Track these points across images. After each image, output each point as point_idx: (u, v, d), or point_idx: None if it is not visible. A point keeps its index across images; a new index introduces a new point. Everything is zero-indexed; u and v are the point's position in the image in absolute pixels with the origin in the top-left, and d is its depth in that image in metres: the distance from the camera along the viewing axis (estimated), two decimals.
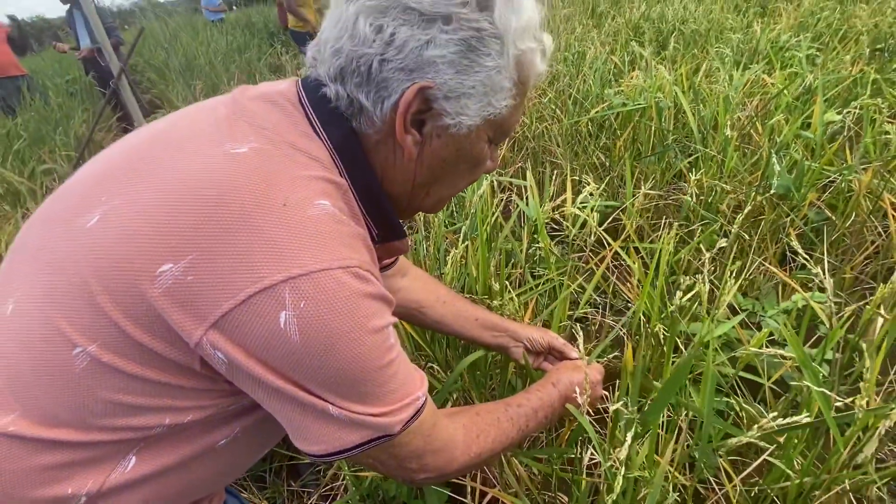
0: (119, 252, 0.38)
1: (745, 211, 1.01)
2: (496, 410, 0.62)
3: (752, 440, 0.76)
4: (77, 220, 0.40)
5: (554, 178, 2.08)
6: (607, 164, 2.15)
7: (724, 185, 1.43)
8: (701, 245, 1.21)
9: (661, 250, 0.99)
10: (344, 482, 1.17)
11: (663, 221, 1.80)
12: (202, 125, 0.45)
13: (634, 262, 1.09)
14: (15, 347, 0.40)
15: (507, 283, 0.96)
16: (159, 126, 0.47)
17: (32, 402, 0.40)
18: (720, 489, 0.92)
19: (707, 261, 0.81)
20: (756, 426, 0.66)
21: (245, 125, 0.44)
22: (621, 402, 0.63)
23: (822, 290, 1.04)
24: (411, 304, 0.82)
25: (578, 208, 1.09)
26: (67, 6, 4.37)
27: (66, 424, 0.41)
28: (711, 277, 0.97)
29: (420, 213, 0.61)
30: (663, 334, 0.98)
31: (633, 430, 0.59)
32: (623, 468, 0.59)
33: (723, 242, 0.85)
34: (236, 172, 0.39)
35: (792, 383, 0.84)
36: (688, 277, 0.88)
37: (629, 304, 1.47)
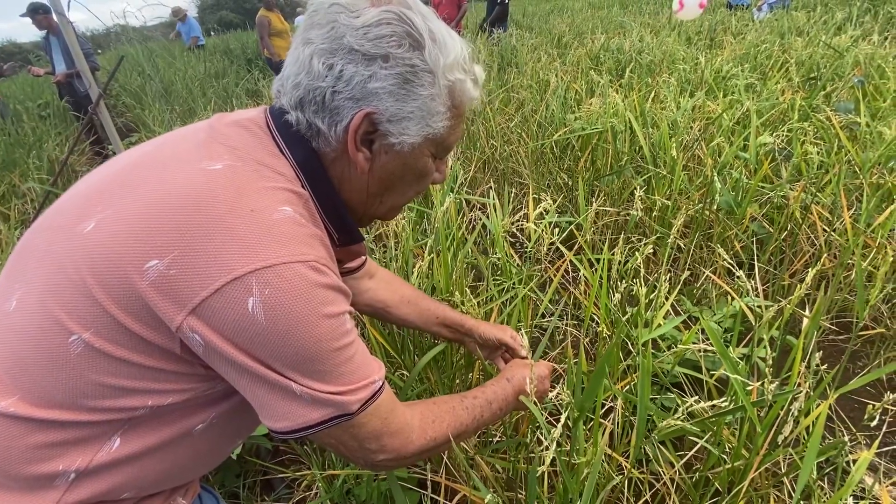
0: (112, 251, 0.44)
1: (681, 222, 1.12)
2: (452, 401, 0.67)
3: (686, 428, 0.84)
4: (76, 227, 0.47)
5: (517, 195, 2.20)
6: (570, 183, 2.29)
7: (665, 202, 1.55)
8: (648, 255, 1.32)
9: (605, 259, 1.09)
10: (317, 493, 1.20)
11: (621, 236, 1.93)
12: (184, 147, 0.52)
13: (587, 271, 1.19)
14: (16, 337, 0.46)
15: (466, 290, 1.04)
16: (147, 148, 0.55)
17: (30, 386, 0.46)
18: (660, 479, 1.00)
19: (641, 266, 0.90)
20: (680, 409, 0.74)
21: (220, 146, 0.51)
22: (557, 391, 0.71)
23: (748, 294, 1.16)
24: (377, 304, 0.90)
25: (535, 222, 1.19)
26: (44, 32, 4.38)
27: (59, 406, 0.46)
28: (654, 283, 1.07)
29: (377, 220, 0.67)
30: (609, 335, 1.07)
31: (567, 411, 0.67)
32: (554, 445, 0.65)
33: (650, 249, 0.95)
34: (212, 184, 0.47)
35: (724, 372, 0.93)
36: (631, 283, 0.98)
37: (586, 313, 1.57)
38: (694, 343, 0.97)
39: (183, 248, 0.44)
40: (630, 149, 2.13)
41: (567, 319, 1.49)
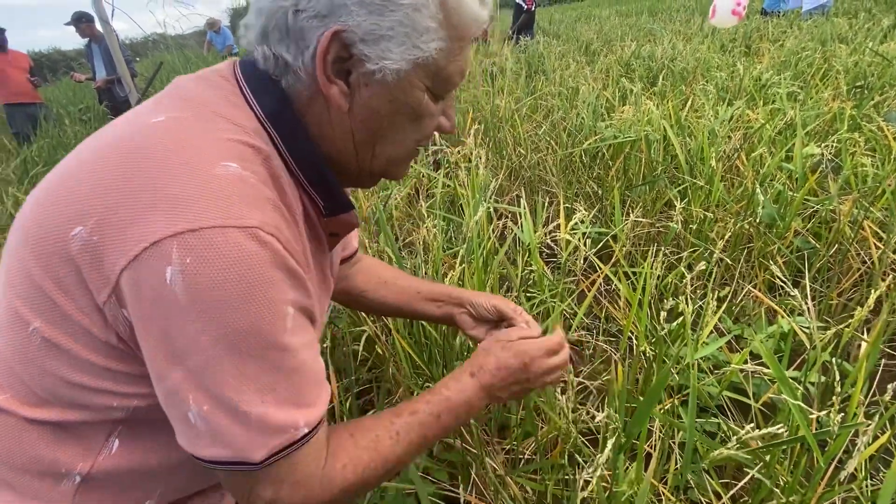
0: (41, 221, 0.39)
1: (726, 236, 1.06)
2: (377, 427, 0.51)
3: (737, 457, 0.78)
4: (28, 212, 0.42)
5: (547, 204, 2.16)
6: (600, 192, 2.23)
7: (710, 214, 1.49)
8: (684, 269, 1.27)
9: (646, 274, 1.04)
10: None
11: (653, 248, 1.86)
12: (141, 107, 0.46)
13: (624, 285, 1.14)
14: None
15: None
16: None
17: (17, 383, 0.42)
18: None
19: (689, 282, 0.85)
20: (734, 438, 0.69)
21: (171, 99, 0.44)
22: (604, 414, 0.67)
23: (802, 314, 1.09)
24: (353, 291, 0.78)
25: (570, 233, 1.15)
26: (86, 40, 4.57)
27: (44, 403, 0.42)
28: (699, 301, 1.02)
29: (380, 178, 0.54)
30: (651, 354, 1.01)
31: (614, 438, 0.63)
32: (600, 470, 0.61)
33: (702, 266, 0.90)
34: (147, 139, 0.39)
35: (772, 396, 0.87)
36: (674, 300, 0.93)
37: (621, 328, 1.51)
38: (739, 364, 0.91)
39: (103, 211, 0.36)
40: (664, 158, 2.06)
41: (598, 334, 1.43)
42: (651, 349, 0.97)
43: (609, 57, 3.73)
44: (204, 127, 0.41)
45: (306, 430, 0.42)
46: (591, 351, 1.48)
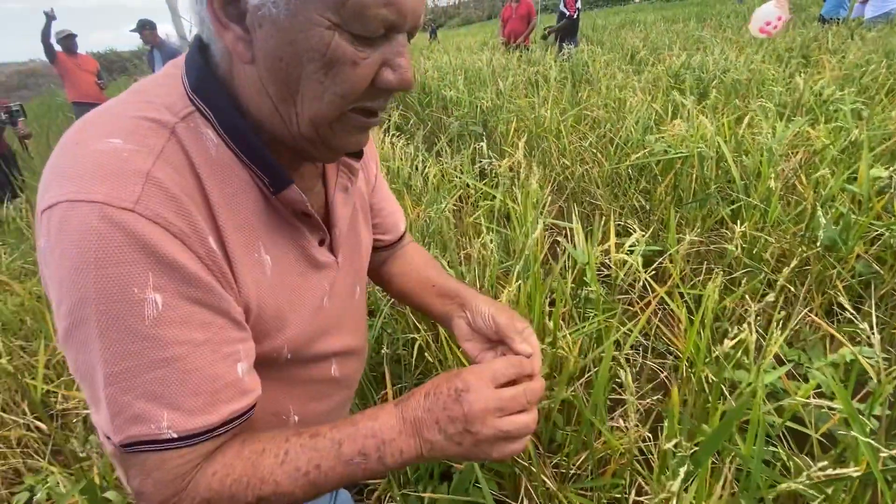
0: None
1: (793, 264, 1.05)
2: (271, 440, 0.44)
3: (799, 489, 0.78)
4: None
5: (595, 220, 2.15)
6: (647, 207, 2.21)
7: (767, 237, 1.46)
8: (745, 294, 1.25)
9: (707, 297, 1.04)
10: None
11: (703, 267, 1.84)
12: None
13: (680, 308, 1.14)
14: None
15: (561, 321, 1.03)
16: None
17: None
18: None
19: (754, 311, 0.85)
20: (804, 474, 0.69)
21: (126, 92, 0.44)
22: (672, 443, 0.68)
23: (871, 345, 1.06)
24: (384, 275, 0.75)
25: (626, 253, 1.16)
26: (149, 46, 4.85)
27: None
28: (757, 327, 1.01)
29: (326, 149, 0.45)
30: (708, 379, 1.01)
31: (685, 466, 0.64)
32: (663, 495, 0.63)
33: (770, 297, 0.90)
34: (78, 126, 0.41)
35: (839, 433, 0.86)
36: (734, 326, 0.93)
37: (670, 348, 1.50)
38: (805, 396, 0.90)
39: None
40: (717, 175, 2.03)
41: (649, 355, 1.43)
42: (711, 374, 0.97)
43: (657, 66, 3.66)
44: (123, 108, 0.41)
45: (174, 435, 0.39)
46: (637, 369, 1.48)
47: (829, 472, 0.66)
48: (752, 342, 0.89)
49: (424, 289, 0.68)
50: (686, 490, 0.74)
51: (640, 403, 1.29)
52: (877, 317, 1.56)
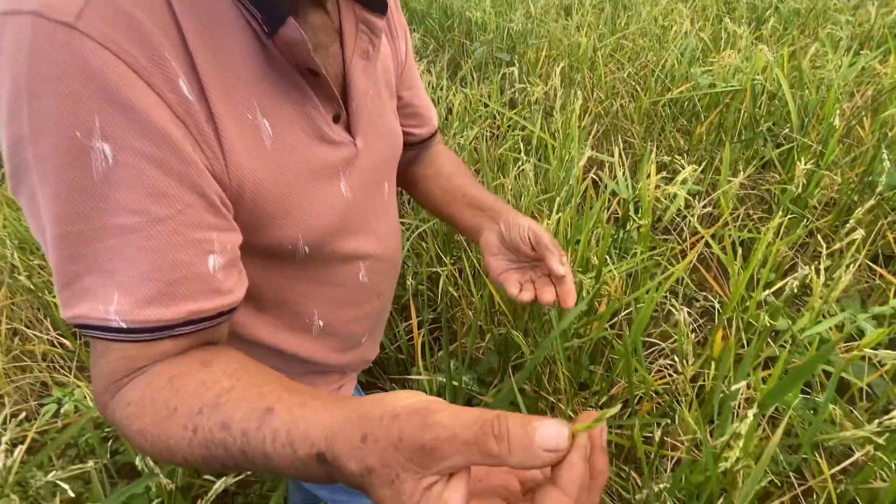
0: None
1: (859, 214, 0.95)
2: (192, 397, 0.32)
3: (852, 440, 0.75)
4: None
5: (635, 156, 2.02)
6: (686, 147, 2.06)
7: (832, 175, 1.34)
8: (794, 242, 1.16)
9: (763, 237, 0.96)
10: None
11: (741, 211, 1.74)
12: None
13: (727, 253, 1.06)
14: None
15: (606, 256, 0.96)
16: None
17: None
18: (801, 485, 0.92)
19: (824, 252, 0.77)
20: (870, 425, 0.65)
21: None
22: (743, 383, 0.63)
23: None
24: (412, 178, 0.67)
25: (679, 189, 1.07)
26: None
27: None
28: (813, 272, 0.94)
29: None
30: (747, 323, 0.96)
31: (753, 408, 0.59)
32: (736, 449, 0.59)
33: (856, 234, 0.81)
34: None
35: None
36: (779, 274, 0.86)
37: (708, 296, 1.45)
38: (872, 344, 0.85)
39: None
40: (769, 112, 1.86)
41: (679, 300, 1.37)
42: (768, 319, 0.91)
43: None
44: None
45: (122, 325, 0.32)
46: (662, 312, 1.43)
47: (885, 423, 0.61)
48: (819, 284, 0.82)
49: (454, 197, 0.62)
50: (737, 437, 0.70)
51: (671, 347, 1.25)
52: None
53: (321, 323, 0.51)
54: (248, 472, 0.73)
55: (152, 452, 0.33)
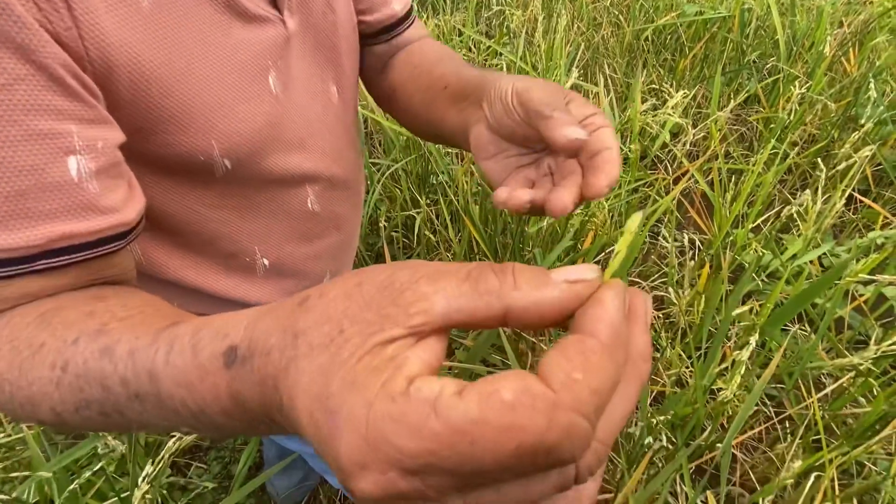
0: None
1: (844, 151, 0.91)
2: (65, 330, 0.24)
3: (834, 368, 0.74)
4: None
5: (618, 91, 1.93)
6: (669, 81, 1.98)
7: (826, 101, 1.29)
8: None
9: (753, 169, 0.90)
10: None
11: (723, 148, 1.69)
12: None
13: (714, 188, 1.01)
14: None
15: None
16: None
17: None
18: (779, 413, 0.93)
19: (823, 177, 0.73)
20: (866, 352, 0.62)
21: None
22: (745, 307, 0.59)
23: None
24: (387, 89, 0.50)
25: (669, 113, 0.99)
26: None
27: None
28: (809, 200, 0.90)
29: None
30: (731, 259, 0.93)
31: (754, 335, 0.56)
32: (734, 379, 0.56)
33: (840, 167, 0.76)
34: None
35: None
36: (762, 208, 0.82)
37: (685, 229, 1.42)
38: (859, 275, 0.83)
39: None
40: (757, 43, 1.78)
41: (659, 235, 1.34)
42: (758, 248, 0.87)
43: None
44: None
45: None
46: (647, 249, 1.40)
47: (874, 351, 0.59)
48: (813, 210, 0.78)
49: (436, 95, 0.42)
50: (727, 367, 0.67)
51: (653, 284, 1.23)
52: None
53: (266, 261, 0.43)
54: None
55: (12, 409, 0.24)
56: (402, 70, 0.48)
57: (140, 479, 0.47)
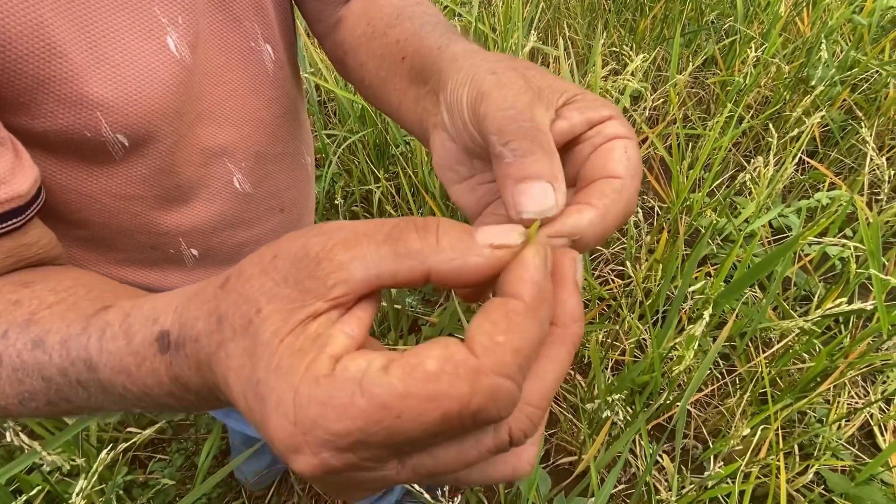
0: None
1: (799, 114, 0.91)
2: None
3: (777, 326, 0.77)
4: None
5: (578, 55, 1.89)
6: (630, 43, 1.96)
7: (780, 63, 1.30)
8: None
9: (712, 133, 0.90)
10: None
11: (680, 113, 1.71)
12: None
13: (673, 153, 1.01)
14: None
15: None
16: None
17: None
18: (730, 372, 0.97)
19: (775, 142, 0.73)
20: (812, 314, 0.65)
21: None
22: (700, 285, 0.60)
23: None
24: (338, 50, 0.40)
25: (626, 82, 0.97)
26: None
27: None
28: (762, 165, 0.91)
29: None
30: (688, 224, 0.94)
31: (709, 308, 0.56)
32: (689, 350, 0.56)
33: (794, 132, 0.77)
34: None
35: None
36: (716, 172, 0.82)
37: (643, 192, 1.44)
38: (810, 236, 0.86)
39: None
40: (715, 1, 1.77)
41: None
42: (711, 217, 0.88)
43: None
44: None
45: None
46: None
47: (845, 307, 0.62)
48: (765, 177, 0.79)
49: (392, 71, 0.33)
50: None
51: (612, 253, 1.24)
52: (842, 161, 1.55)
53: (194, 252, 0.38)
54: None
55: None
56: (356, 26, 0.37)
57: (75, 494, 0.43)
